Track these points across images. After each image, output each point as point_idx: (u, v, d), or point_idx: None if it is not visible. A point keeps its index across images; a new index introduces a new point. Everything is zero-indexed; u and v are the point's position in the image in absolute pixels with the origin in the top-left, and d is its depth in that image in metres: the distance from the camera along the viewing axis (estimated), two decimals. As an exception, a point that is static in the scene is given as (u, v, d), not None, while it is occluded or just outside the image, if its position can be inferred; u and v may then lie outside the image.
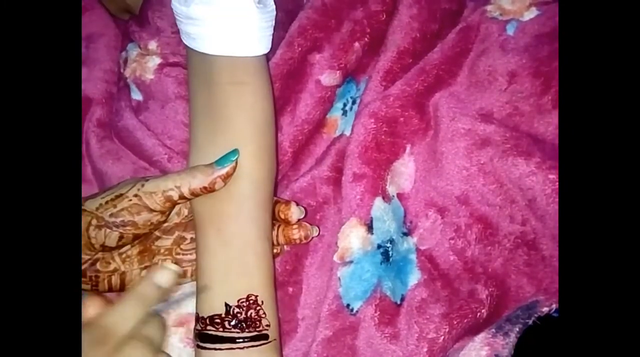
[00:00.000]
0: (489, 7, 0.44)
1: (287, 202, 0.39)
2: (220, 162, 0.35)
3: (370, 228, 0.40)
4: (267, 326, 0.35)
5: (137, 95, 0.47)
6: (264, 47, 0.39)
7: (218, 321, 0.34)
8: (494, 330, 0.34)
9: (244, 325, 0.34)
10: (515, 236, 0.38)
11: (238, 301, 0.34)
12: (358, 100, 0.44)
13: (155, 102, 0.46)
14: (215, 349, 0.34)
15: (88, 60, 0.49)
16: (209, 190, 0.35)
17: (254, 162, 0.36)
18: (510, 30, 0.42)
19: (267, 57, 0.41)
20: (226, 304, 0.34)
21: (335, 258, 0.39)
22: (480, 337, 0.34)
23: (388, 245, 0.40)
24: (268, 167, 0.38)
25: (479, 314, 0.36)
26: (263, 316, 0.35)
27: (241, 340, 0.34)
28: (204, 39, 0.37)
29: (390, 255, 0.40)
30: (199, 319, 0.35)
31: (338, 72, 0.44)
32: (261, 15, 0.37)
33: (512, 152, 0.38)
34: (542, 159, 0.37)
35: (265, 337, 0.34)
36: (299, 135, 0.44)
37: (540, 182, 0.37)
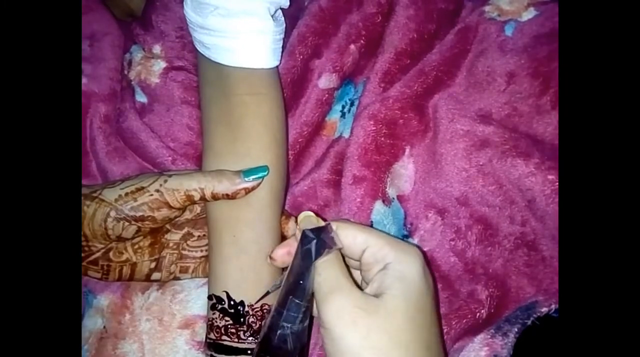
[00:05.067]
0: (487, 8, 0.44)
1: (288, 217, 0.39)
2: (249, 173, 0.35)
3: (370, 230, 0.40)
4: None
5: (141, 98, 0.48)
6: (277, 58, 0.39)
7: (233, 331, 0.34)
8: (493, 330, 0.34)
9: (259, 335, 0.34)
10: (515, 237, 0.38)
11: (252, 310, 0.34)
12: (356, 102, 0.44)
13: (160, 105, 0.47)
14: None
15: (92, 58, 0.49)
16: (230, 197, 0.35)
17: (272, 171, 0.36)
18: (509, 30, 0.42)
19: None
20: (241, 313, 0.34)
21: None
22: (479, 338, 0.34)
23: (388, 247, 0.40)
24: (283, 176, 0.38)
25: (478, 314, 0.36)
26: None
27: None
28: (221, 50, 0.37)
29: (391, 256, 0.40)
30: (213, 327, 0.35)
31: (335, 74, 0.45)
32: (275, 28, 0.38)
33: (511, 153, 0.38)
34: (541, 160, 0.37)
35: None
36: (298, 137, 0.45)
37: (539, 182, 0.37)
